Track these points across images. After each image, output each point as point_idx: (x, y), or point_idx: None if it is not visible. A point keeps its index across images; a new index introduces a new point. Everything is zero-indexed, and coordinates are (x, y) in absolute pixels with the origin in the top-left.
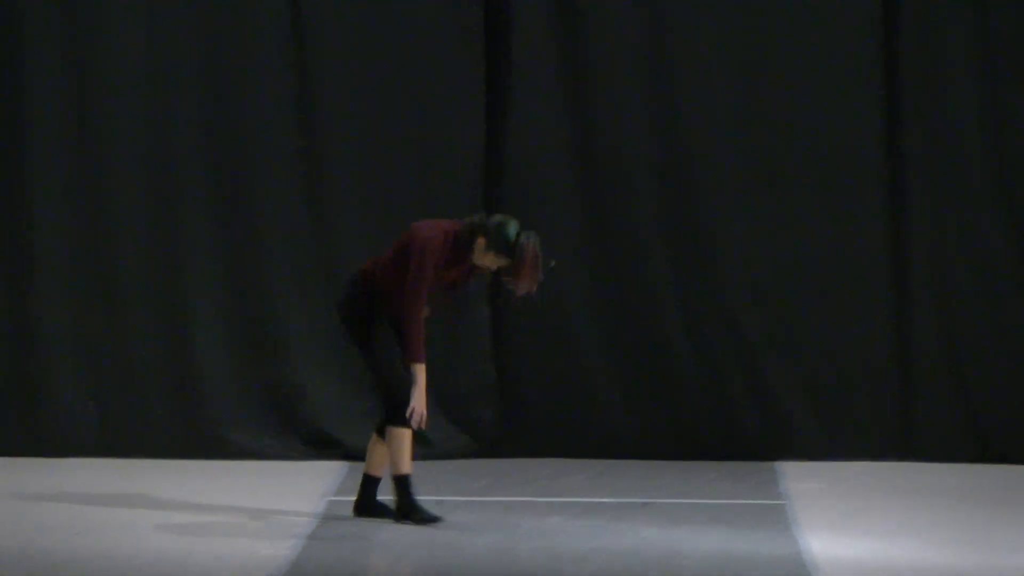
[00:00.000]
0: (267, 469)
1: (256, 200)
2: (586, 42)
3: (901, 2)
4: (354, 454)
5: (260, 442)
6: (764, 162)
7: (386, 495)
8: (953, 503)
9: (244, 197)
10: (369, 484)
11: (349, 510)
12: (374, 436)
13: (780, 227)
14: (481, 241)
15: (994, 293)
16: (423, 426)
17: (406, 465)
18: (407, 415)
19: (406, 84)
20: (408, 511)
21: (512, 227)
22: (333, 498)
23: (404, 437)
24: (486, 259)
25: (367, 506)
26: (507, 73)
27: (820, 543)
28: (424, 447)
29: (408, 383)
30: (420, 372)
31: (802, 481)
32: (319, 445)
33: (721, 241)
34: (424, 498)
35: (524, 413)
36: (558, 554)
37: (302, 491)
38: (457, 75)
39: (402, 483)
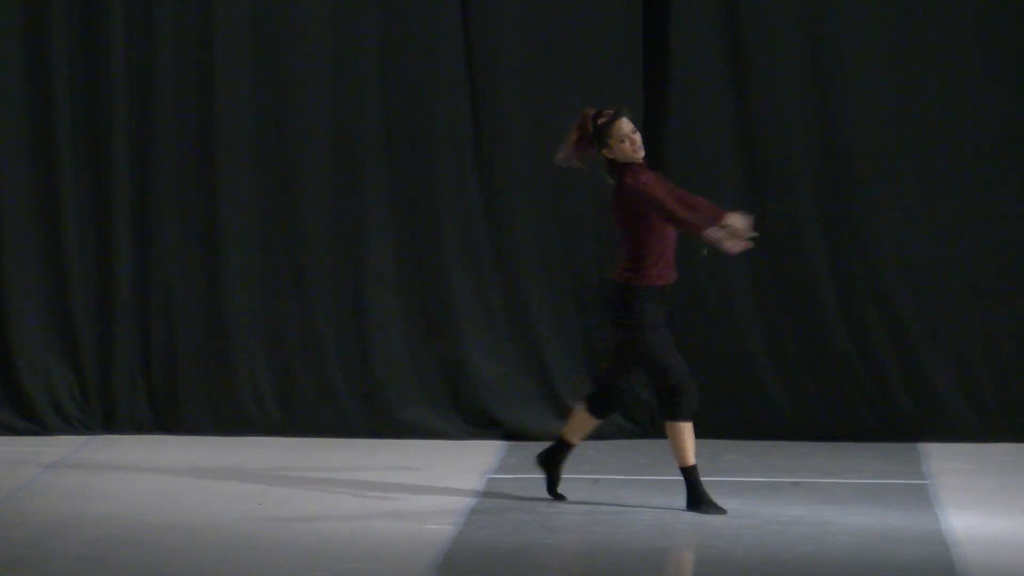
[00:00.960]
0: (432, 447)
1: (432, 191)
2: (745, 30)
3: None
4: (514, 434)
5: (429, 421)
6: (918, 150)
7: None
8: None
9: (421, 188)
10: (562, 447)
11: (510, 488)
12: (583, 405)
13: (933, 214)
14: (606, 151)
15: None
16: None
17: (691, 456)
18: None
19: (569, 76)
20: (698, 501)
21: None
22: (494, 476)
23: (684, 431)
24: (623, 152)
25: (548, 462)
26: (666, 62)
27: (962, 521)
28: None
29: (686, 371)
30: (713, 232)
31: (948, 461)
32: (481, 424)
33: (876, 227)
34: (583, 476)
35: None
36: (714, 530)
37: (465, 469)
38: (617, 64)
39: (690, 474)
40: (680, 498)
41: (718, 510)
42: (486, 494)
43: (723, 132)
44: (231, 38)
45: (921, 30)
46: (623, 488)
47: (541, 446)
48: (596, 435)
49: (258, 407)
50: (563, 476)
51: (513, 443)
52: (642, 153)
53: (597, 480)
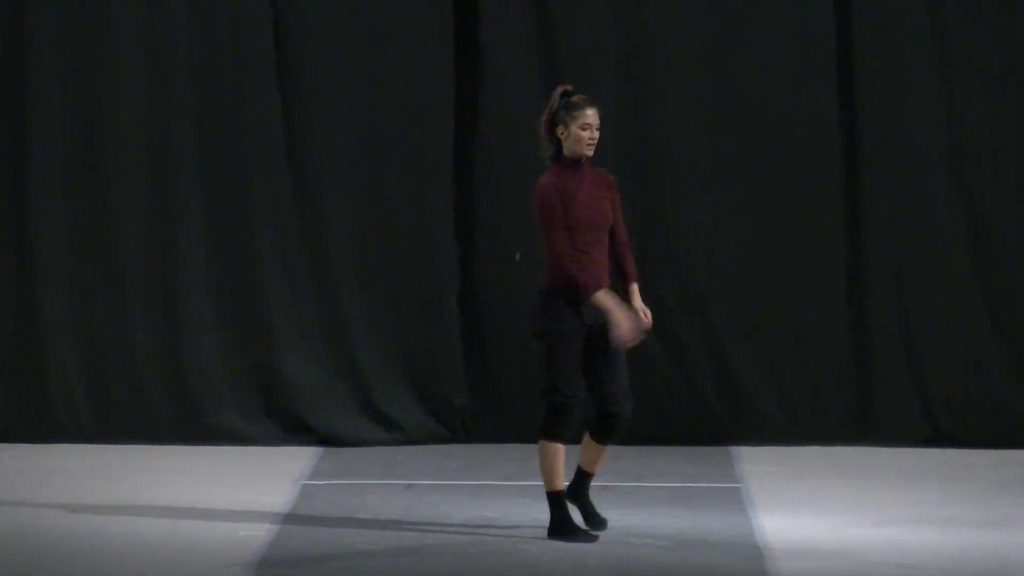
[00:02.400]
0: (248, 453)
1: (245, 195)
2: (557, 34)
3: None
4: (327, 440)
5: (242, 427)
6: (729, 155)
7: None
8: (904, 484)
9: (234, 193)
10: (583, 477)
11: (323, 493)
12: (586, 435)
13: (744, 219)
14: (560, 130)
15: (948, 282)
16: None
17: (558, 481)
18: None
19: (382, 80)
20: (558, 531)
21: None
22: (308, 481)
23: (551, 452)
24: (572, 141)
25: (576, 497)
26: (477, 64)
27: (773, 523)
28: (397, 432)
29: (571, 393)
30: (601, 297)
31: (758, 464)
32: (295, 430)
33: (687, 231)
34: (397, 482)
35: (494, 400)
36: (522, 535)
37: (279, 475)
38: (428, 69)
39: (552, 500)
40: (496, 501)
41: (585, 537)
42: (300, 499)
43: (534, 139)
44: (44, 45)
45: (732, 33)
46: (435, 493)
47: (354, 451)
48: (408, 440)
49: (70, 414)
50: (379, 482)
51: (327, 449)
52: (590, 152)
53: (410, 485)
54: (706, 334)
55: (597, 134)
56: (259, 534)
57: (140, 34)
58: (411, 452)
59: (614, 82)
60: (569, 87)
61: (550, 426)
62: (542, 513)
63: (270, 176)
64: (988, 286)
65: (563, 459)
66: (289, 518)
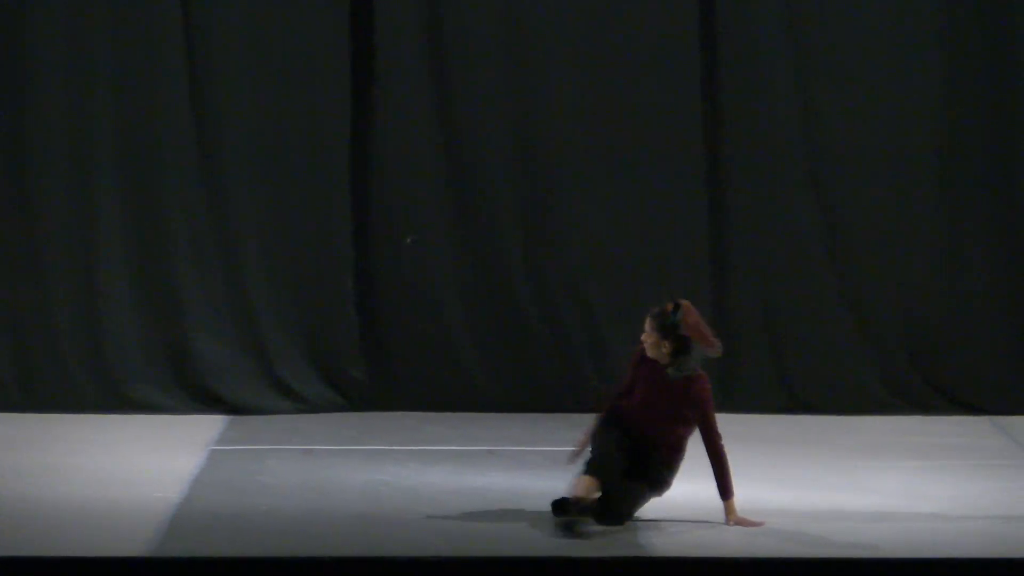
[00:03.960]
0: (161, 422)
1: (159, 184)
2: (446, 33)
3: (717, 4)
4: (235, 409)
5: (156, 398)
6: (603, 149)
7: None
8: (764, 448)
9: (148, 182)
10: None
11: (231, 459)
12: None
13: (617, 208)
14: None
15: (804, 266)
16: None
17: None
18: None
19: (283, 77)
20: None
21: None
22: (216, 447)
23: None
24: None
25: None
26: (372, 64)
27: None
28: (297, 402)
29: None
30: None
31: None
32: (205, 401)
33: (567, 218)
34: (297, 447)
35: (389, 370)
36: (418, 496)
37: (190, 442)
38: (325, 67)
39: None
40: (390, 466)
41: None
42: (209, 464)
43: (425, 131)
44: None
45: (605, 34)
46: (333, 457)
47: (259, 419)
48: (308, 409)
49: None
50: (281, 447)
51: (234, 417)
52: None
53: (309, 450)
54: (583, 313)
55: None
56: (172, 496)
57: (60, 32)
58: (311, 420)
59: (500, 81)
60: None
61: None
62: (433, 476)
63: (181, 167)
64: (840, 270)
65: None
66: (199, 481)
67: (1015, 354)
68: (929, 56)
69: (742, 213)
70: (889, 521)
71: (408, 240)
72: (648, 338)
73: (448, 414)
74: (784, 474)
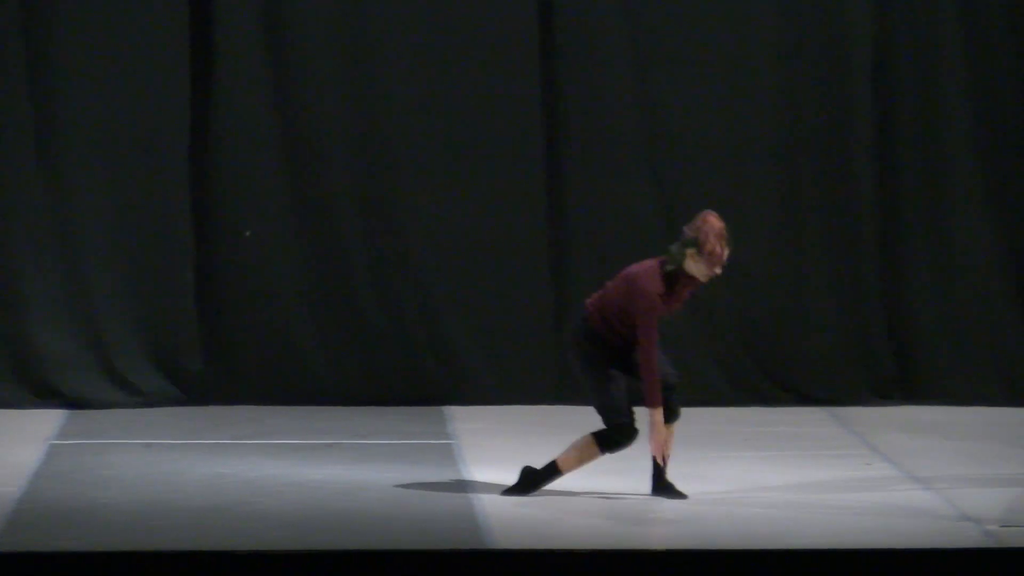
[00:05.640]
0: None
1: None
2: (287, 36)
3: None
4: (75, 403)
5: None
6: (444, 142)
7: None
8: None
9: None
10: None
11: (70, 453)
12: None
13: (458, 200)
14: (690, 252)
15: (642, 253)
16: (664, 462)
17: (569, 468)
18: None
19: (124, 73)
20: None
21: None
22: (55, 441)
23: (593, 454)
24: (697, 267)
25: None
26: (212, 63)
27: (484, 476)
28: (136, 396)
29: (626, 413)
30: (657, 415)
31: (471, 422)
32: (45, 395)
33: (408, 209)
34: (138, 441)
35: (229, 363)
36: (258, 488)
37: (28, 436)
38: (166, 66)
39: (545, 472)
40: (231, 459)
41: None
42: (48, 458)
43: (264, 124)
44: None
45: (445, 29)
46: (174, 452)
47: (99, 414)
48: (148, 403)
49: None
50: (122, 442)
51: (73, 411)
52: (705, 281)
53: (150, 445)
54: (423, 304)
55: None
56: (11, 490)
57: None
58: (151, 414)
59: (339, 73)
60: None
61: (608, 441)
62: (273, 469)
63: (20, 162)
64: None
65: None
66: (38, 475)
67: (851, 345)
68: (767, 47)
69: (581, 203)
70: (727, 509)
71: (247, 233)
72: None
73: (288, 407)
74: (625, 465)
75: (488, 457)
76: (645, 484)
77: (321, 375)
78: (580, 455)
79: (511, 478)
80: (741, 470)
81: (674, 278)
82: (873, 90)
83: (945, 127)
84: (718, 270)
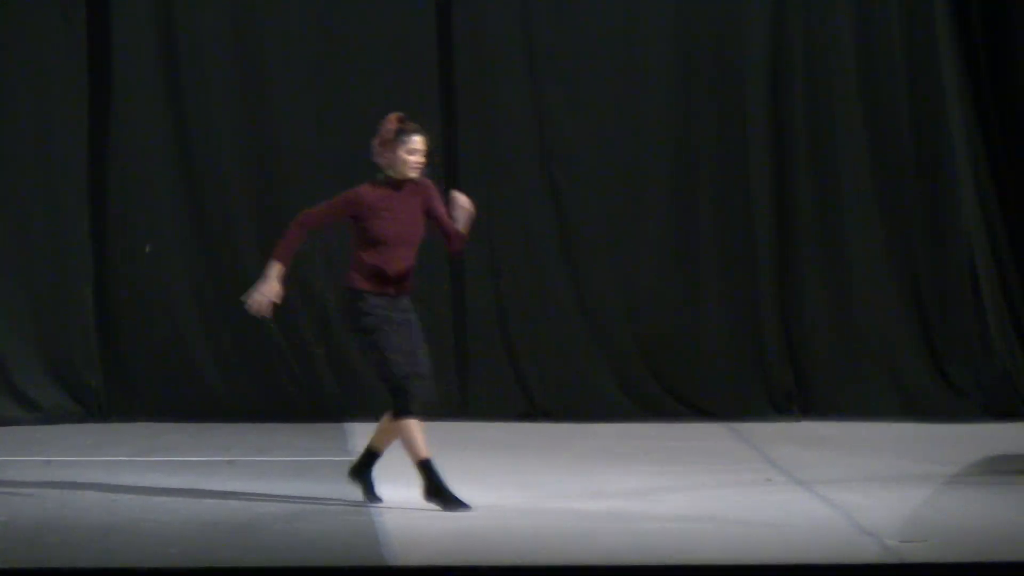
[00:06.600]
0: None
1: None
2: (181, 47)
3: (454, 9)
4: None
5: None
6: (338, 152)
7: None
8: (504, 453)
9: None
10: (368, 456)
11: None
12: (386, 416)
13: None
14: (382, 152)
15: (539, 272)
16: (263, 314)
17: (423, 451)
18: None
19: (17, 88)
20: (435, 492)
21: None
22: None
23: (410, 427)
24: (393, 161)
25: (359, 471)
26: (109, 72)
27: (384, 491)
28: (34, 412)
29: (409, 374)
30: (271, 267)
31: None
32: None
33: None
34: (34, 458)
35: (127, 380)
36: (154, 506)
37: None
38: (62, 80)
39: (425, 467)
40: (128, 475)
41: (459, 504)
42: None
43: (160, 139)
44: None
45: (339, 41)
46: (72, 468)
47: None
48: (46, 419)
49: None
50: (19, 458)
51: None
52: (415, 175)
53: (49, 461)
54: (322, 322)
55: (423, 159)
56: None
57: None
58: (49, 431)
59: (233, 89)
60: (402, 115)
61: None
62: (171, 485)
63: None
64: (575, 276)
65: (420, 429)
66: None
67: (748, 359)
68: (661, 60)
69: (479, 219)
70: (626, 524)
71: (147, 248)
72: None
73: (186, 424)
74: (523, 480)
75: (389, 472)
76: (550, 497)
77: (217, 390)
78: (405, 439)
79: (412, 492)
80: (638, 484)
81: (391, 186)
82: (768, 108)
83: (839, 146)
84: (414, 158)
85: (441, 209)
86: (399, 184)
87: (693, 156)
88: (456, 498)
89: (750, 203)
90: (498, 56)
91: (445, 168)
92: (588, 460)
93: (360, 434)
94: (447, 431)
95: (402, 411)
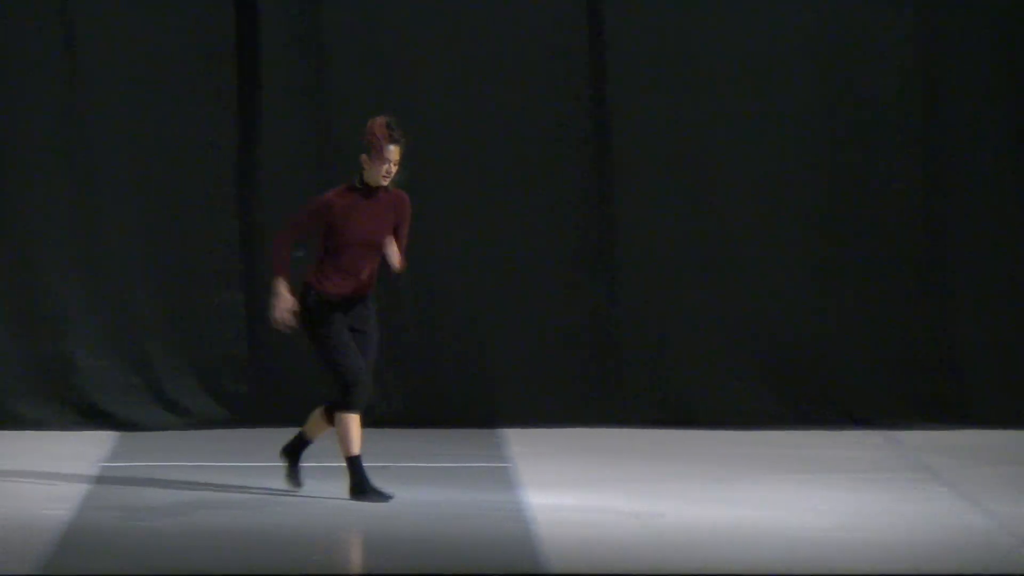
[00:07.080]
0: (47, 438)
1: (30, 196)
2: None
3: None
4: (124, 425)
5: (40, 413)
6: (482, 157)
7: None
8: (657, 462)
9: (13, 193)
10: (299, 441)
11: (122, 475)
12: (320, 408)
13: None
14: (363, 158)
15: (687, 277)
16: (288, 326)
17: (355, 447)
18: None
19: (169, 98)
20: (361, 489)
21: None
22: (106, 464)
23: (350, 421)
24: (372, 169)
25: (290, 453)
26: (257, 79)
27: (538, 497)
28: (183, 417)
29: (355, 370)
30: (277, 284)
31: (523, 446)
32: (93, 416)
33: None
34: (181, 464)
35: (275, 386)
36: (309, 513)
37: (79, 458)
38: (211, 90)
39: (353, 463)
40: (280, 482)
41: (381, 497)
42: (99, 481)
43: (305, 146)
44: None
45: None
46: (222, 473)
47: (149, 435)
48: (194, 424)
49: None
50: (167, 464)
51: (124, 433)
52: (384, 183)
53: (200, 467)
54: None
55: (395, 168)
56: (62, 513)
57: None
58: (198, 435)
59: (369, 92)
60: (389, 120)
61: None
62: (326, 489)
63: (52, 176)
64: (723, 282)
65: (358, 425)
66: (90, 498)
67: (904, 366)
68: (805, 72)
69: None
70: (783, 534)
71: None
72: (396, 163)
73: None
74: (676, 488)
75: (549, 481)
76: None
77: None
78: (341, 432)
79: (565, 495)
80: (792, 493)
81: (361, 192)
82: (917, 116)
83: (987, 153)
84: (386, 167)
85: (404, 231)
86: (371, 190)
87: (841, 164)
88: (379, 491)
89: (898, 209)
90: (648, 64)
91: (597, 174)
92: (740, 467)
93: (514, 441)
94: (598, 438)
95: (345, 405)
